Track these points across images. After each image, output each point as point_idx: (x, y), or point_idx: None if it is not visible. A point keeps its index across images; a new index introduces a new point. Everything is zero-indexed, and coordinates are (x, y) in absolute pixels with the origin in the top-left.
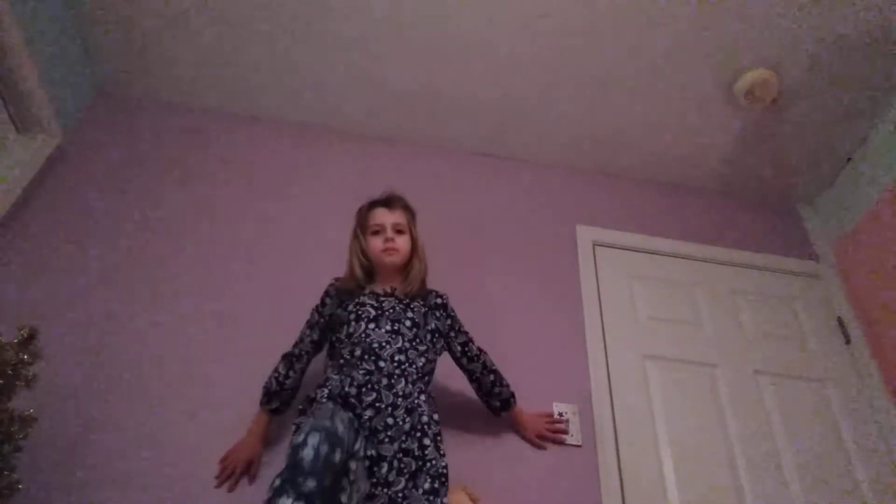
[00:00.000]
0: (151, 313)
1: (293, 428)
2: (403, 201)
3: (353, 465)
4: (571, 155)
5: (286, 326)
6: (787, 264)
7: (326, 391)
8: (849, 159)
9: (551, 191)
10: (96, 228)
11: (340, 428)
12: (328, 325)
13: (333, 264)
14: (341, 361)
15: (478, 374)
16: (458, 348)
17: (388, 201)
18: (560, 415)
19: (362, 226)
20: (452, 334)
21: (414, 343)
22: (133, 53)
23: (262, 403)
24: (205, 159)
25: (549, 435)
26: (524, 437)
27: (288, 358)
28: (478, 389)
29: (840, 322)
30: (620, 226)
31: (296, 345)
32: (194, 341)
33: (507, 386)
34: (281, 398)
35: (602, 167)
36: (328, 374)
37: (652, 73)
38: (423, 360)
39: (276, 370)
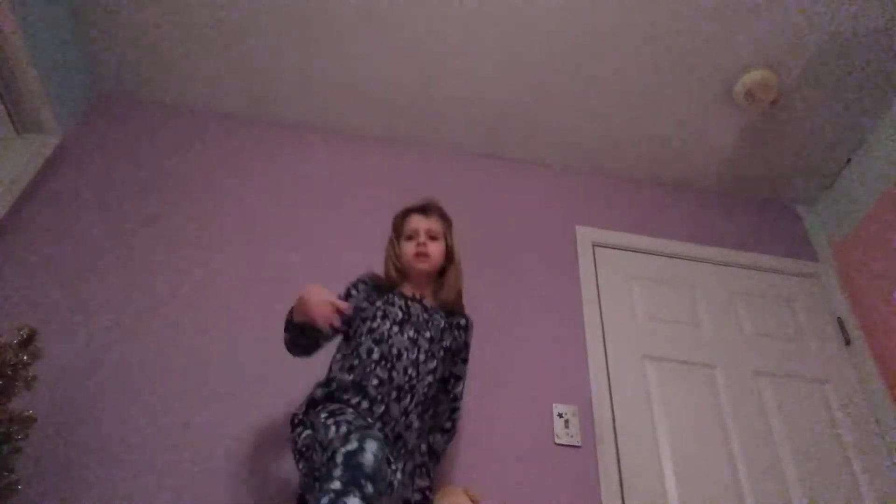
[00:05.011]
0: (151, 313)
1: (298, 424)
2: (440, 209)
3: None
4: (571, 155)
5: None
6: (787, 265)
7: (344, 408)
8: (849, 159)
9: (551, 191)
10: (96, 228)
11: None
12: (349, 317)
13: (334, 265)
14: (355, 361)
15: (439, 414)
16: (448, 373)
17: (425, 208)
18: (560, 415)
19: (397, 232)
20: (456, 359)
21: (427, 357)
22: (133, 54)
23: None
24: (204, 160)
25: None
26: None
27: None
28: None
29: (840, 323)
30: (620, 226)
31: None
32: (194, 342)
33: (442, 451)
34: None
35: (602, 167)
36: (337, 373)
37: (652, 73)
38: (429, 378)
39: None
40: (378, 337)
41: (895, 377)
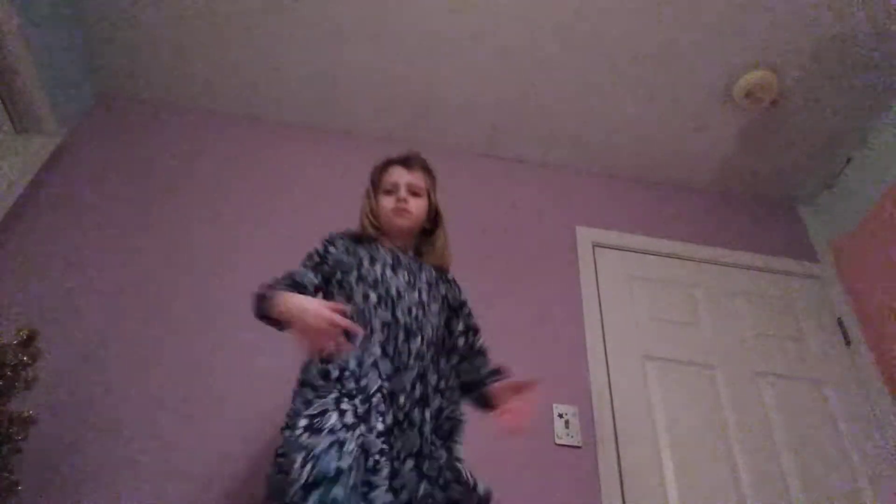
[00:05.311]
0: (151, 314)
1: (287, 430)
2: (424, 162)
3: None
4: (571, 155)
5: None
6: (787, 265)
7: (335, 393)
8: (849, 160)
9: (551, 191)
10: (96, 229)
11: (346, 478)
12: (330, 273)
13: None
14: (348, 312)
15: (473, 372)
16: (462, 327)
17: (407, 160)
18: (560, 416)
19: (375, 185)
20: (465, 311)
21: (430, 298)
22: (133, 54)
23: (269, 295)
24: (204, 160)
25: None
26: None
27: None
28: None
29: (840, 323)
30: (620, 226)
31: (293, 276)
32: (194, 342)
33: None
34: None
35: (602, 167)
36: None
37: (652, 74)
38: (437, 320)
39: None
40: (372, 281)
41: (895, 377)
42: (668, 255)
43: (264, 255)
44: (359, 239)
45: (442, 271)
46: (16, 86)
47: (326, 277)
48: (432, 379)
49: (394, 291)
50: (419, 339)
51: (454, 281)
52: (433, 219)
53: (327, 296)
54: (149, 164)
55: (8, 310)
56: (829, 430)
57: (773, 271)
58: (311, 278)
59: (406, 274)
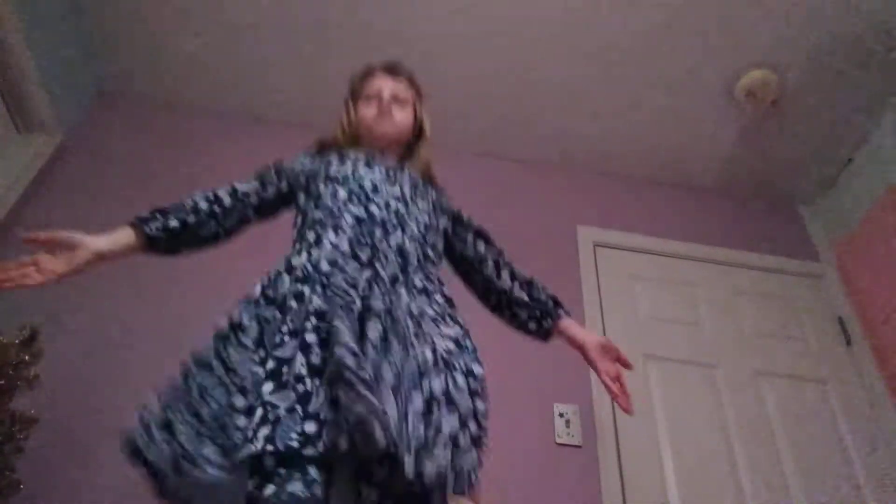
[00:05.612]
0: (153, 313)
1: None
2: (410, 72)
3: None
4: (571, 155)
5: None
6: (788, 265)
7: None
8: (850, 160)
9: (551, 191)
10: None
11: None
12: (290, 188)
13: None
14: (317, 215)
15: (497, 269)
16: (473, 234)
17: (392, 67)
18: (561, 415)
19: (354, 93)
20: (466, 218)
21: (415, 195)
22: (133, 53)
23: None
24: (207, 159)
25: (611, 386)
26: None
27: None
28: (501, 296)
29: (841, 323)
30: (621, 226)
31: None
32: (195, 341)
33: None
34: (167, 222)
35: (602, 167)
36: (300, 250)
37: (652, 74)
38: (426, 217)
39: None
40: (341, 178)
41: (895, 377)
42: (668, 255)
43: (264, 253)
44: (328, 147)
45: (429, 178)
46: (17, 85)
47: (278, 193)
48: (416, 278)
49: (368, 185)
50: (400, 232)
51: (443, 190)
52: (417, 134)
53: (296, 207)
54: (151, 163)
55: (10, 309)
56: (830, 429)
57: (773, 271)
58: (239, 184)
59: (384, 169)
